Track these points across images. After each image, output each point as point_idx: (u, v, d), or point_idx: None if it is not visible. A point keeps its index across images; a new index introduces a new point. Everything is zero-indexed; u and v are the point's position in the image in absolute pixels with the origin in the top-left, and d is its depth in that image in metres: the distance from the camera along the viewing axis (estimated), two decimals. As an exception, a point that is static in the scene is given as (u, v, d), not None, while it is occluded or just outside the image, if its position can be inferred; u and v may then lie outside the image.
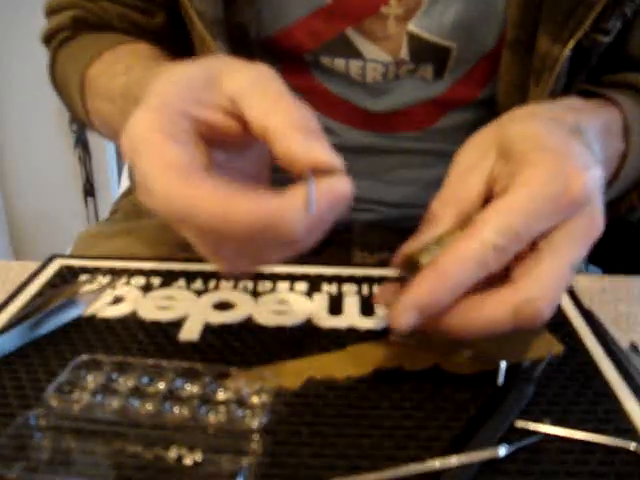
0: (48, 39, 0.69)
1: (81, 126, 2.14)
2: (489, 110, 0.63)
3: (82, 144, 2.17)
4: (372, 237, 0.68)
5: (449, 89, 0.62)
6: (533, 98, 0.56)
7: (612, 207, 0.58)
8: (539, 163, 0.36)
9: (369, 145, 0.65)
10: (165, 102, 0.35)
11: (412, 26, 0.57)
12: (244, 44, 0.59)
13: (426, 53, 0.59)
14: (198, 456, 0.35)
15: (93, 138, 2.17)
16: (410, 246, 0.39)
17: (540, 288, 0.35)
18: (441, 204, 0.39)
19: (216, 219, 0.32)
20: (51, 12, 0.68)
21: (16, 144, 2.18)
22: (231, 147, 0.39)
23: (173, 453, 0.35)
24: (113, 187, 2.21)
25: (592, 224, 0.37)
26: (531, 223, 0.35)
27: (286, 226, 0.32)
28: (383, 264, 0.67)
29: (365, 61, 0.60)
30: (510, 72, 0.58)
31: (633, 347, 0.47)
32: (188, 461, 0.35)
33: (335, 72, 0.61)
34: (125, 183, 0.87)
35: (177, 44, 0.64)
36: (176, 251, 0.69)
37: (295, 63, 0.62)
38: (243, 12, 0.57)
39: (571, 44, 0.52)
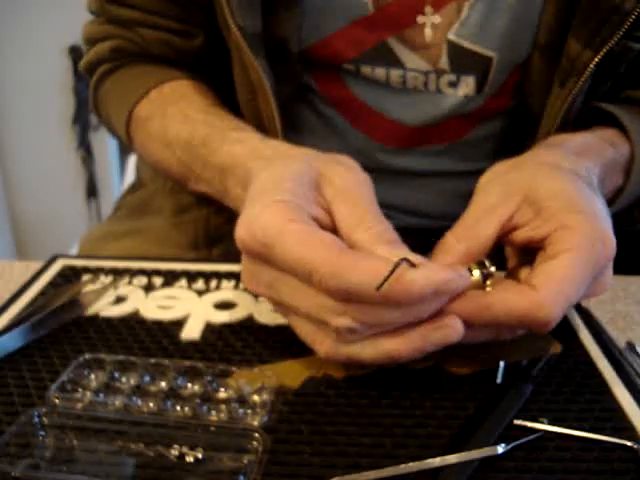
0: (89, 70, 0.70)
1: (83, 128, 2.15)
2: (517, 118, 0.64)
3: (85, 145, 2.18)
4: None
5: (486, 102, 0.62)
6: (555, 99, 0.57)
7: (614, 220, 0.59)
8: (577, 227, 0.39)
9: (396, 168, 0.65)
10: (284, 198, 0.39)
11: (452, 35, 0.57)
12: (283, 57, 0.59)
13: (467, 63, 0.59)
14: (199, 454, 0.36)
15: (96, 139, 2.17)
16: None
17: (554, 298, 0.37)
18: (455, 238, 0.42)
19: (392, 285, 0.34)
20: (89, 42, 0.68)
21: (19, 145, 2.18)
22: None
23: (175, 451, 0.36)
24: (115, 187, 2.22)
25: (604, 284, 0.41)
26: (581, 289, 0.38)
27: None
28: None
29: (405, 70, 0.60)
30: (539, 74, 0.59)
31: (630, 346, 0.47)
32: (190, 459, 0.35)
33: (374, 82, 0.61)
34: (129, 179, 0.87)
35: (214, 65, 0.64)
36: (185, 251, 0.69)
37: (331, 74, 0.62)
38: (284, 26, 0.57)
39: (603, 51, 0.52)
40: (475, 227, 0.42)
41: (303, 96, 0.64)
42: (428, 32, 0.57)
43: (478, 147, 0.65)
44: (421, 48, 0.58)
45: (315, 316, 0.38)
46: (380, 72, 0.60)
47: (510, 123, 0.64)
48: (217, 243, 0.69)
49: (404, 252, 0.38)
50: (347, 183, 0.42)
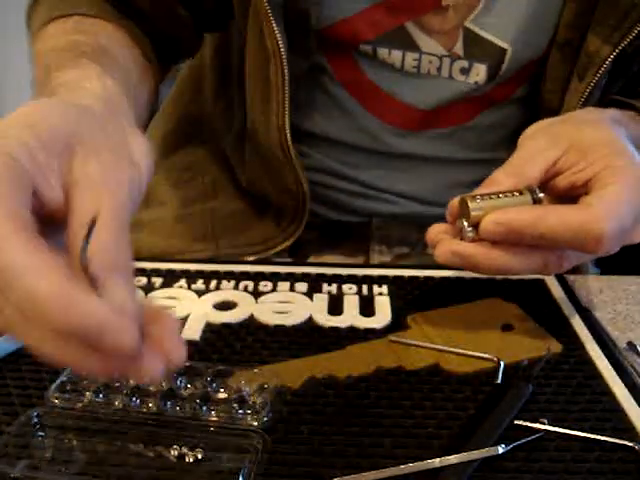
0: None
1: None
2: (523, 108, 0.64)
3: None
4: (391, 231, 0.68)
5: (492, 88, 0.62)
6: (574, 93, 0.58)
7: None
8: (623, 166, 0.41)
9: (403, 152, 0.65)
10: (9, 150, 0.29)
11: (469, 22, 0.58)
12: (301, 31, 0.59)
13: (480, 51, 0.59)
14: (199, 454, 0.35)
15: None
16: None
17: (608, 214, 0.39)
18: (504, 174, 0.43)
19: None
20: None
21: (17, 145, 2.18)
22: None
23: (174, 451, 0.36)
24: (114, 188, 2.21)
25: None
26: (631, 214, 0.40)
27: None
28: (398, 260, 0.68)
29: (421, 53, 0.60)
30: (556, 70, 0.60)
31: (631, 346, 0.47)
32: (189, 459, 0.35)
33: (388, 65, 0.62)
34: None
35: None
36: (192, 244, 0.69)
37: (345, 56, 0.62)
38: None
39: (622, 45, 0.54)
40: (522, 166, 0.43)
41: (314, 75, 0.64)
42: (451, 15, 0.58)
43: (484, 134, 0.66)
44: (438, 33, 0.59)
45: None
46: (396, 55, 0.61)
47: (518, 114, 0.65)
48: (224, 235, 0.69)
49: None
50: (100, 168, 0.31)
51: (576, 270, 0.61)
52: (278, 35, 0.56)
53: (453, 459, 0.34)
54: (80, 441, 0.37)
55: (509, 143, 0.63)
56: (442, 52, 0.60)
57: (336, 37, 0.60)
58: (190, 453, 0.36)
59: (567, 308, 0.50)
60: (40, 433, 0.37)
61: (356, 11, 0.58)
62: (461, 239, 0.42)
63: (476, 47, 0.59)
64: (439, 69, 0.61)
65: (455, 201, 0.43)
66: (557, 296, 0.52)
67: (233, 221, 0.70)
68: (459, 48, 0.60)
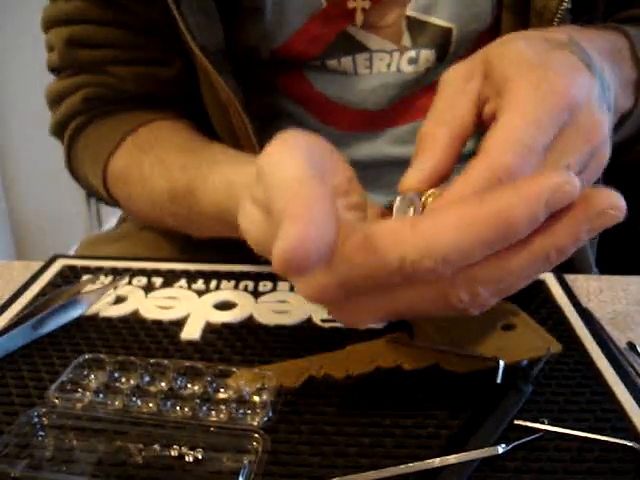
0: (60, 130, 0.65)
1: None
2: None
3: (84, 145, 2.17)
4: None
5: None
6: None
7: (620, 153, 0.55)
8: (518, 77, 0.34)
9: (370, 156, 0.64)
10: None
11: (410, 11, 0.57)
12: (254, 65, 0.58)
13: (426, 37, 0.58)
14: (199, 454, 0.36)
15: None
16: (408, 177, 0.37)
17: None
18: (433, 125, 0.38)
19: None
20: (56, 100, 0.64)
21: (19, 145, 2.18)
22: None
23: (174, 451, 0.36)
24: (115, 187, 2.21)
25: (591, 125, 0.34)
26: (536, 135, 0.33)
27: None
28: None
29: (371, 52, 0.60)
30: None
31: (630, 346, 0.47)
32: (189, 459, 0.35)
33: (339, 72, 0.61)
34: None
35: (195, 89, 0.62)
36: (176, 254, 0.69)
37: (294, 73, 0.61)
38: (252, 34, 0.57)
39: None
40: (451, 109, 0.38)
41: (274, 102, 0.63)
42: (359, 17, 0.57)
43: None
44: (383, 28, 0.58)
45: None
46: (346, 61, 0.60)
47: None
48: (201, 250, 0.69)
49: None
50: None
51: (576, 270, 0.61)
52: (227, 85, 0.55)
53: (453, 459, 0.34)
54: (80, 441, 0.37)
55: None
56: (392, 47, 0.59)
57: (285, 59, 0.60)
58: (190, 453, 0.36)
59: (567, 308, 0.50)
60: (40, 433, 0.37)
61: (295, 30, 0.58)
62: None
63: (422, 34, 0.58)
64: (389, 65, 0.60)
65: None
66: (557, 296, 0.52)
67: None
68: (406, 39, 0.59)
